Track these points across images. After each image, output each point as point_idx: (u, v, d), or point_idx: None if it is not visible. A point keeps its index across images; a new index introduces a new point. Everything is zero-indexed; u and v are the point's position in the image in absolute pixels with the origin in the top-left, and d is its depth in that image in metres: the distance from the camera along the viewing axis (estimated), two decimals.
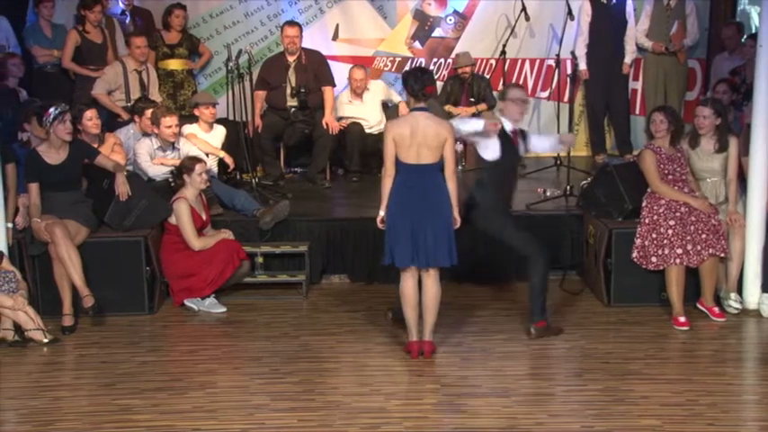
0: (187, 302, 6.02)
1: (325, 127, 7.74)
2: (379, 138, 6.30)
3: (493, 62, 8.72)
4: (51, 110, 5.70)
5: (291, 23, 7.87)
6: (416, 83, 4.95)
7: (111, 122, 7.33)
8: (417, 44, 8.92)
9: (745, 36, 8.14)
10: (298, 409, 4.50)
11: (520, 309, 5.89)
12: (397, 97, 8.22)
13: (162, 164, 6.55)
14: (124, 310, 5.85)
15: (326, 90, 7.84)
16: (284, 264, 6.42)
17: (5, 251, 5.61)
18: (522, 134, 5.48)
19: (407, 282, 5.03)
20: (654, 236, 5.68)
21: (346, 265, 6.56)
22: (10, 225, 5.75)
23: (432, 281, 5.03)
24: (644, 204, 5.79)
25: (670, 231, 5.63)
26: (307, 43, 7.99)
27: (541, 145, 5.87)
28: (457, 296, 6.15)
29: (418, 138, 4.88)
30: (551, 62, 8.50)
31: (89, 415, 4.48)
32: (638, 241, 5.75)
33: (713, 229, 5.63)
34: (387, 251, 5.00)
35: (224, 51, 7.52)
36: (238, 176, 7.42)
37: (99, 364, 5.13)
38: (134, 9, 8.32)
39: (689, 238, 5.60)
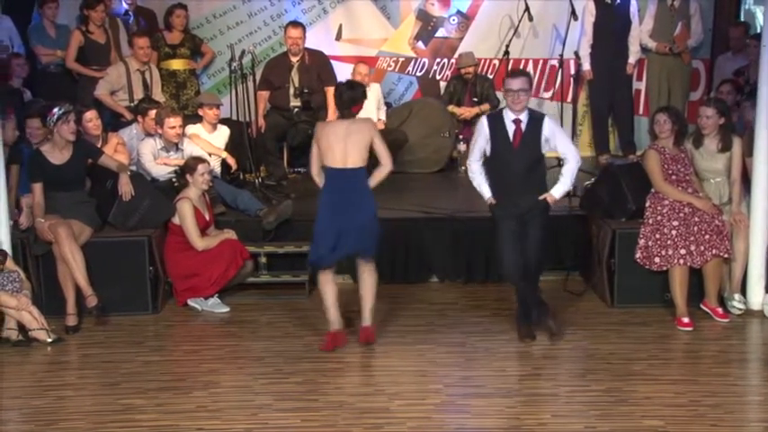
0: (190, 302, 6.03)
1: None
2: None
3: (496, 62, 8.71)
4: (55, 110, 5.71)
5: (295, 24, 7.86)
6: (341, 96, 5.11)
7: (114, 122, 7.34)
8: (420, 44, 8.91)
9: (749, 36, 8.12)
10: (301, 409, 4.50)
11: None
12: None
13: (165, 164, 6.55)
14: (128, 310, 5.85)
15: (329, 90, 7.83)
16: (287, 264, 6.42)
17: (9, 251, 5.62)
18: (535, 123, 5.12)
19: (326, 284, 5.21)
20: (657, 236, 5.67)
21: (349, 266, 6.55)
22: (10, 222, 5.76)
23: (368, 273, 5.22)
24: (647, 205, 5.78)
25: (674, 232, 5.62)
26: (310, 43, 7.98)
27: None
28: (460, 296, 6.16)
29: (344, 139, 5.01)
30: (555, 62, 8.49)
31: (93, 414, 4.49)
32: (641, 242, 5.74)
33: (717, 229, 5.62)
34: (312, 253, 5.21)
35: (227, 51, 7.52)
36: (242, 176, 7.42)
37: (102, 364, 5.14)
38: (138, 9, 8.32)
39: (692, 238, 5.59)
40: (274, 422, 4.38)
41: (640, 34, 8.34)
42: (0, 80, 7.35)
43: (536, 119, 5.17)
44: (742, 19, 8.67)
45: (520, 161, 5.14)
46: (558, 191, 5.21)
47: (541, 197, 5.16)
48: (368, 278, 5.24)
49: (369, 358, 5.16)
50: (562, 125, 8.10)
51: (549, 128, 5.15)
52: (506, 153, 5.15)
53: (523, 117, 5.14)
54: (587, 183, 6.61)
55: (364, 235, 5.10)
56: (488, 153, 5.24)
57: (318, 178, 5.21)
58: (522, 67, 8.81)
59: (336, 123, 5.16)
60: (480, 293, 6.24)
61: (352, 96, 5.10)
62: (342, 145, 5.03)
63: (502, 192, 5.20)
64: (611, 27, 8.26)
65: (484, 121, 5.26)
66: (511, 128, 5.14)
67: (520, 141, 5.13)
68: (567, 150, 5.23)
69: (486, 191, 5.28)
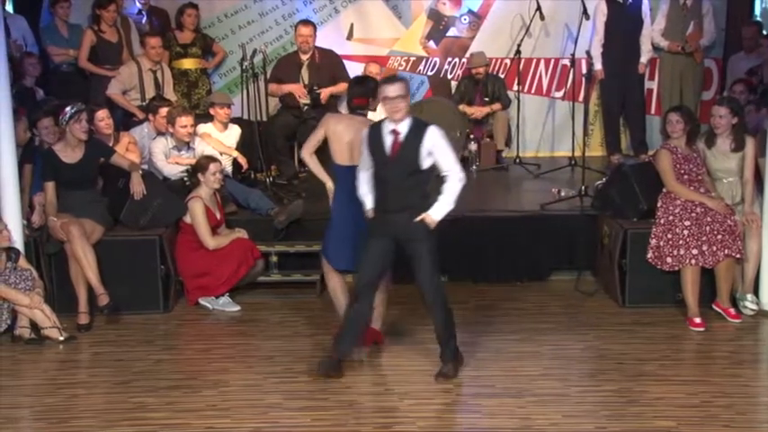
0: (201, 301, 6.05)
1: None
2: None
3: (507, 62, 8.70)
4: (67, 109, 5.74)
5: (305, 22, 7.88)
6: (348, 91, 5.12)
7: (126, 122, 7.37)
8: (432, 44, 8.91)
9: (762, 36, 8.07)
10: (311, 408, 4.51)
11: (534, 308, 5.90)
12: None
13: (177, 163, 6.57)
14: (139, 309, 5.87)
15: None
16: (298, 263, 6.43)
17: (22, 249, 5.65)
18: (416, 133, 4.58)
19: (334, 279, 5.18)
20: (669, 236, 5.65)
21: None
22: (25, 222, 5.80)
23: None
24: (659, 204, 5.76)
25: (685, 232, 5.60)
26: (321, 43, 7.99)
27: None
28: (470, 296, 6.15)
29: (351, 138, 4.97)
30: (566, 62, 8.47)
31: (104, 412, 4.51)
32: (653, 242, 5.72)
33: (729, 229, 5.59)
34: (325, 251, 5.16)
35: (239, 51, 7.54)
36: (252, 176, 7.44)
37: (114, 362, 5.16)
38: (151, 9, 8.35)
39: (704, 238, 5.57)
40: (284, 421, 4.39)
41: (652, 33, 8.31)
42: (13, 79, 7.39)
43: (418, 129, 4.61)
44: (757, 18, 8.62)
45: (395, 175, 4.61)
46: (437, 212, 4.64)
47: (418, 218, 4.61)
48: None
49: (378, 358, 5.16)
50: (573, 125, 8.12)
51: (431, 140, 4.58)
52: (382, 166, 4.64)
53: (403, 127, 4.60)
54: (599, 183, 6.60)
55: None
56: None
57: (311, 160, 5.17)
58: (533, 66, 8.82)
59: (344, 117, 5.14)
60: (490, 293, 6.23)
61: (354, 91, 5.08)
62: (348, 140, 4.98)
63: (379, 207, 4.72)
64: (622, 26, 8.23)
65: (365, 131, 4.76)
66: (388, 139, 4.62)
67: (397, 154, 4.60)
68: (449, 168, 4.64)
69: (368, 201, 4.78)
